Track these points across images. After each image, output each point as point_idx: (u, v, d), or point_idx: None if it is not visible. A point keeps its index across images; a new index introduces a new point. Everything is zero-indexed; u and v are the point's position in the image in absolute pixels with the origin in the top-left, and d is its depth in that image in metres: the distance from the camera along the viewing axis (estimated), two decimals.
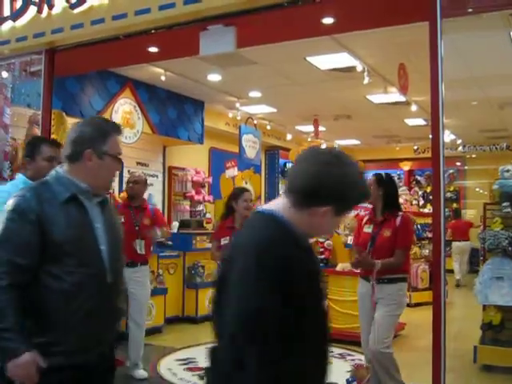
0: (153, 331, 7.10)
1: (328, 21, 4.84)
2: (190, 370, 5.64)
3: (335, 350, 6.42)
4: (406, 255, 4.41)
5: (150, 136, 9.90)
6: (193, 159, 11.86)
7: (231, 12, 4.81)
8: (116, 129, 2.50)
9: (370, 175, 4.59)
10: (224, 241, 5.09)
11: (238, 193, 5.21)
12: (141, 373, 5.39)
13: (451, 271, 13.05)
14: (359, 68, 8.07)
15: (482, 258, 7.70)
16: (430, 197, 13.82)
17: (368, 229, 4.47)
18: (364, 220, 4.62)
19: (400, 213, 4.44)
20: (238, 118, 11.29)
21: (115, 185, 9.34)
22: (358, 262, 4.32)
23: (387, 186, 4.51)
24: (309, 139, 12.17)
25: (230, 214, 5.22)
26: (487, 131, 13.33)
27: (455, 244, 13.04)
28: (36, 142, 3.48)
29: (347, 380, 4.15)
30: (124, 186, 9.91)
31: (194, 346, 6.69)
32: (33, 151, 3.37)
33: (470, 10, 4.22)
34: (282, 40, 5.63)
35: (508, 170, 6.10)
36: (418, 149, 16.32)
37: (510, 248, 5.66)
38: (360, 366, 4.07)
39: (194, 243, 8.34)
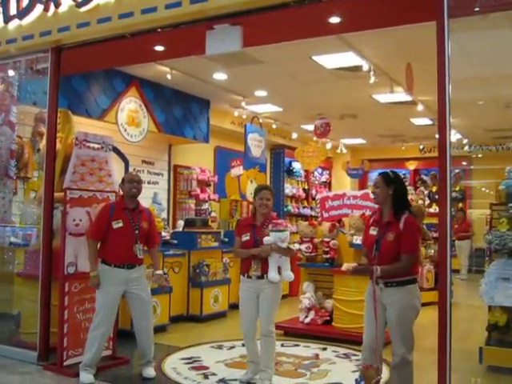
0: (157, 330, 7.07)
1: (335, 20, 4.83)
2: (195, 368, 5.63)
3: (340, 350, 6.42)
4: (413, 259, 4.14)
5: (155, 134, 9.92)
6: (198, 158, 11.87)
7: (237, 11, 4.81)
8: None
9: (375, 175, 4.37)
10: (245, 237, 5.01)
11: (256, 191, 5.16)
12: (150, 372, 5.31)
13: (457, 271, 13.27)
14: (365, 67, 8.05)
15: (487, 259, 7.67)
16: (436, 196, 13.80)
17: (373, 231, 4.22)
18: (370, 221, 4.35)
19: (404, 215, 4.12)
20: (244, 116, 11.29)
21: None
22: (354, 270, 4.14)
23: (396, 184, 4.22)
24: (314, 138, 12.14)
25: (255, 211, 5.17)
26: (493, 131, 13.29)
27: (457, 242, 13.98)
28: None
29: (356, 380, 4.11)
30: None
31: (198, 344, 6.68)
32: None
33: (476, 10, 4.21)
34: (288, 39, 5.63)
35: None
36: (423, 148, 16.29)
37: None
38: (369, 367, 4.01)
39: (199, 242, 8.32)
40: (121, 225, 5.21)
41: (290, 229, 5.03)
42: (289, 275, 4.95)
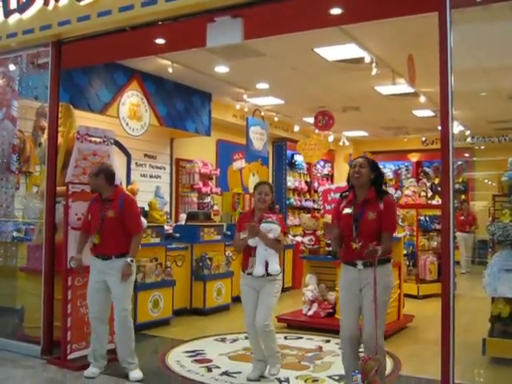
0: (161, 323, 7.13)
1: (336, 11, 4.80)
2: (198, 361, 5.64)
3: None
4: (392, 237, 4.28)
5: (157, 128, 9.91)
6: (200, 151, 11.87)
7: (238, 3, 4.79)
8: None
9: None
10: (243, 234, 4.93)
11: (256, 186, 5.11)
12: (133, 374, 5.03)
13: (457, 263, 13.35)
14: (367, 59, 8.03)
15: (490, 250, 7.65)
16: (439, 188, 13.79)
17: (349, 210, 4.24)
18: (342, 203, 4.36)
19: (385, 196, 4.24)
20: (246, 109, 11.27)
21: (123, 177, 9.35)
22: (370, 252, 4.08)
23: (377, 172, 4.31)
24: (316, 131, 12.12)
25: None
26: (496, 122, 13.25)
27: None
28: None
29: (353, 372, 4.13)
30: (132, 178, 9.99)
31: (201, 337, 6.69)
32: None
33: (478, 1, 4.19)
34: (289, 31, 5.60)
35: None
36: (426, 140, 16.27)
37: None
38: (369, 359, 4.02)
39: (202, 235, 8.33)
40: (90, 217, 5.22)
41: (278, 223, 4.88)
42: (274, 269, 4.85)
